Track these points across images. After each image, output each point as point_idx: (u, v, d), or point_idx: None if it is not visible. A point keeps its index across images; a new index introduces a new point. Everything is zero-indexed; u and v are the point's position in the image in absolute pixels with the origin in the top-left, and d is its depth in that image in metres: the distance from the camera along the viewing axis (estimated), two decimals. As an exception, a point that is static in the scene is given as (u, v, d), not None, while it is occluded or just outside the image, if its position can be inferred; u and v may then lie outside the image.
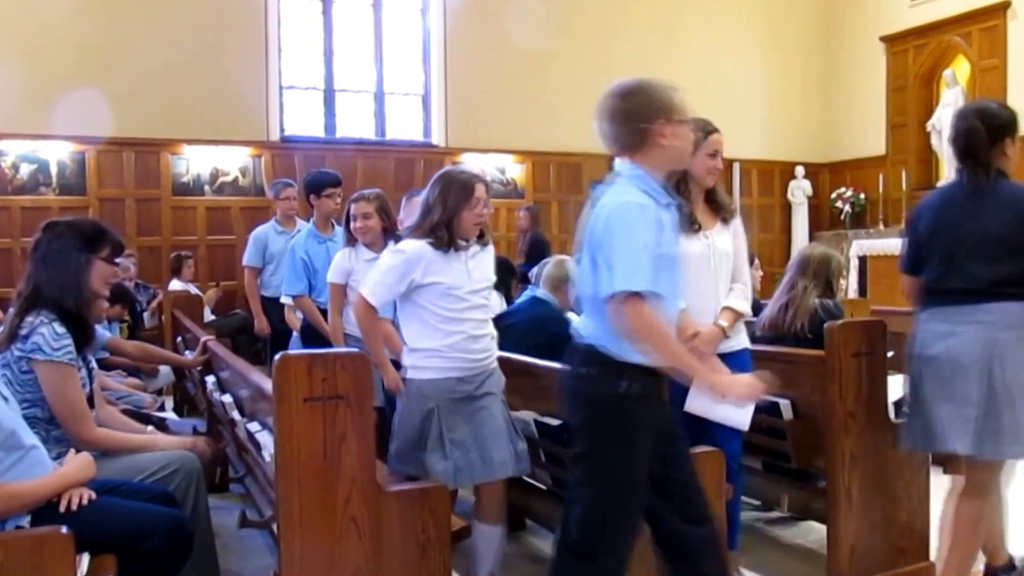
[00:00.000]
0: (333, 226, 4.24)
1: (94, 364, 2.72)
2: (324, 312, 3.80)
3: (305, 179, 4.36)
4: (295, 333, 4.23)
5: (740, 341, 2.78)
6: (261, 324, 4.96)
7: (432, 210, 2.60)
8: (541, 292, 3.74)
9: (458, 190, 2.61)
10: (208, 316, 6.83)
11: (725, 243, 2.73)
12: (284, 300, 4.43)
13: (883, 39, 10.35)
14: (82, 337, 2.54)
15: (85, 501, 2.14)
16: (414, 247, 2.57)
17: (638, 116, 2.08)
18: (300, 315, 4.21)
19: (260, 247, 5.03)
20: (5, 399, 2.16)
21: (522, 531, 3.47)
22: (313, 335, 3.83)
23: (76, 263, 2.54)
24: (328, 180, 4.30)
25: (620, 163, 2.13)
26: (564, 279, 3.72)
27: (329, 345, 3.46)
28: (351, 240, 3.52)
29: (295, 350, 2.73)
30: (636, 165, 2.09)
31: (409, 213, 3.10)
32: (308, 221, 4.54)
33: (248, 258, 5.09)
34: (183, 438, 2.81)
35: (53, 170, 7.80)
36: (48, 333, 2.41)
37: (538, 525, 3.22)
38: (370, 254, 3.45)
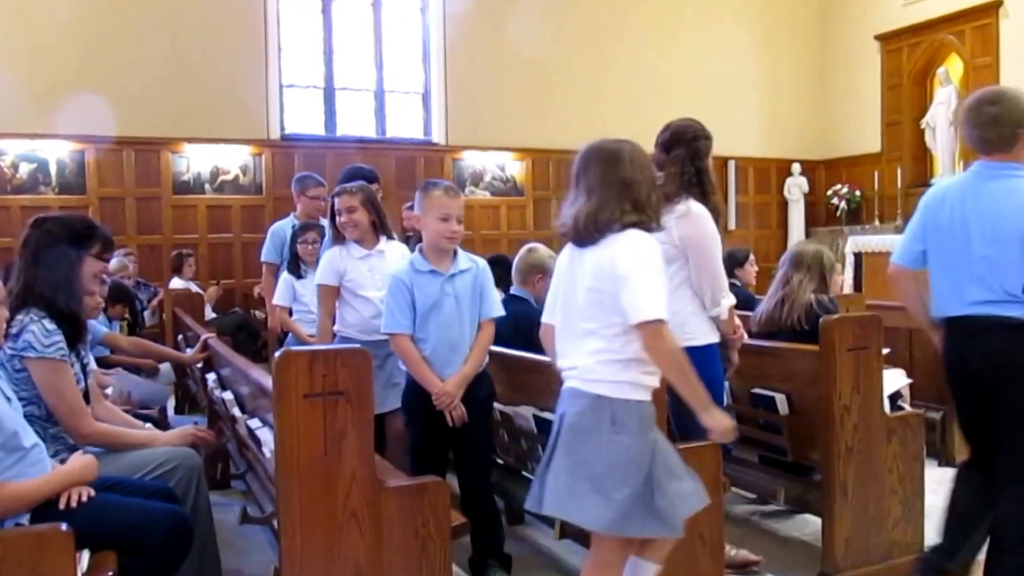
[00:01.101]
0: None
1: (89, 360, 2.73)
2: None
3: (341, 174, 4.12)
4: (290, 336, 4.14)
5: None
6: (273, 323, 4.73)
7: (635, 186, 2.09)
8: (514, 288, 3.68)
9: (645, 156, 2.20)
10: (209, 314, 6.85)
11: None
12: (277, 302, 4.29)
13: (877, 37, 10.39)
14: (74, 334, 2.53)
15: (84, 498, 2.16)
16: (649, 236, 2.10)
17: (1015, 120, 2.37)
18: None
19: (278, 243, 4.79)
20: (8, 399, 2.17)
21: (521, 524, 3.50)
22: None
23: (67, 261, 2.53)
24: (364, 176, 4.02)
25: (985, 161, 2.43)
26: (533, 268, 3.64)
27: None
28: (339, 238, 3.30)
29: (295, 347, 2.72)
30: (1008, 163, 2.36)
31: (431, 208, 2.78)
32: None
33: (266, 253, 4.87)
34: (183, 430, 2.79)
35: (52, 169, 7.82)
36: (38, 330, 2.42)
37: (535, 519, 3.24)
38: (361, 251, 3.28)
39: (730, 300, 2.81)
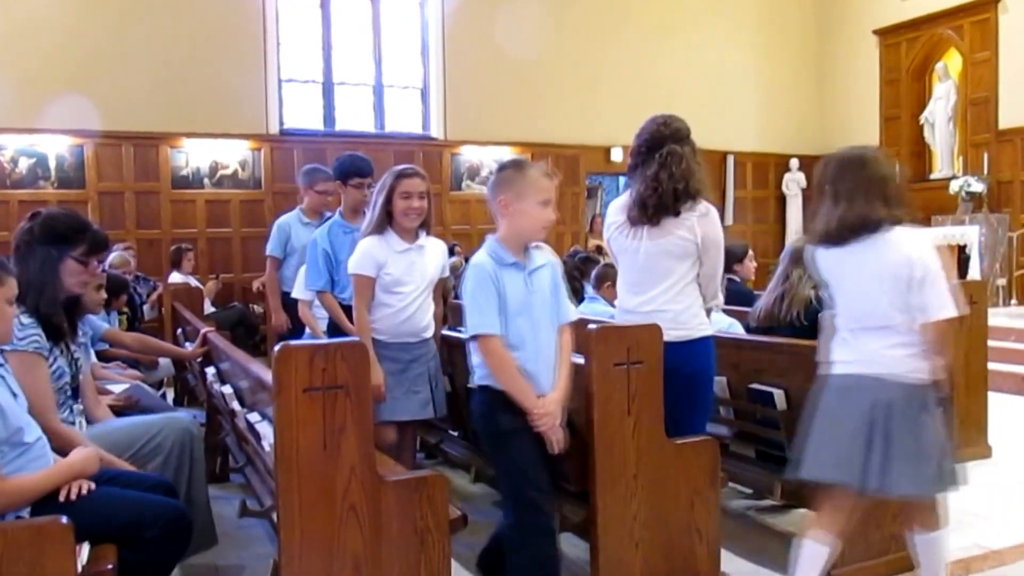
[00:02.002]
0: (365, 214, 3.63)
1: (81, 355, 2.73)
2: (347, 309, 3.32)
3: (336, 162, 3.85)
4: (307, 331, 3.98)
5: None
6: (278, 320, 4.56)
7: (885, 182, 2.38)
8: None
9: (885, 156, 2.51)
10: (208, 308, 6.85)
11: None
12: (297, 295, 4.08)
13: (876, 32, 10.39)
14: (52, 332, 2.52)
15: (84, 491, 2.17)
16: (923, 232, 2.38)
17: None
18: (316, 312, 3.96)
19: (283, 237, 4.63)
20: (15, 395, 2.18)
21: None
22: (339, 335, 3.36)
23: (48, 262, 2.52)
24: (359, 169, 3.78)
25: None
26: None
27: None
28: (383, 225, 2.98)
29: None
30: None
31: (531, 191, 2.41)
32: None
33: (271, 247, 4.68)
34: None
35: (52, 164, 7.82)
36: (16, 324, 2.41)
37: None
38: (403, 244, 3.01)
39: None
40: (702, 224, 2.76)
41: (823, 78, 11.15)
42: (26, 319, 2.47)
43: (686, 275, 2.81)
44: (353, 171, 3.76)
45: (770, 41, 10.87)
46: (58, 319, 2.55)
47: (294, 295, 4.14)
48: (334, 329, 3.45)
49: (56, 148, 7.84)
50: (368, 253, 2.99)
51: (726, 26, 10.58)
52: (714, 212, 2.81)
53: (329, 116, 9.12)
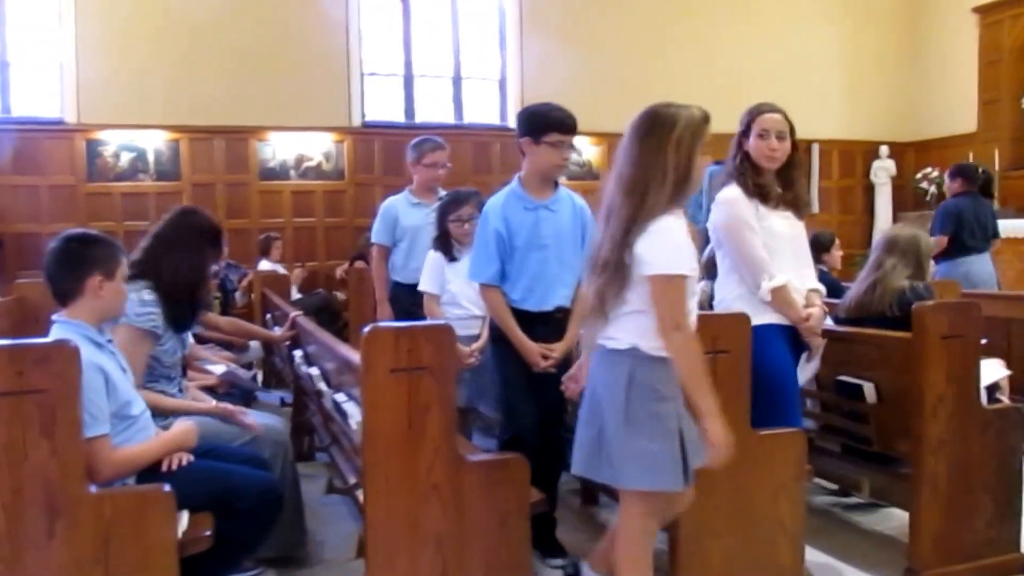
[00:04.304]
0: (556, 185, 2.95)
1: (187, 336, 2.95)
2: (517, 311, 2.78)
3: (521, 115, 2.99)
4: None
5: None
6: (383, 313, 4.09)
7: None
8: None
9: None
10: (294, 295, 7.09)
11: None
12: (424, 288, 3.50)
13: (975, 10, 9.78)
14: (186, 317, 2.75)
15: (184, 462, 2.30)
16: None
17: None
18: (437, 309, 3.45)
19: (390, 222, 4.13)
20: (124, 370, 2.33)
21: (595, 506, 3.52)
22: (505, 345, 2.76)
23: (211, 255, 2.87)
24: (560, 122, 2.84)
25: None
26: None
27: (521, 361, 2.75)
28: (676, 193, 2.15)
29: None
30: None
31: None
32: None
33: (376, 234, 4.19)
34: (201, 406, 2.79)
35: (150, 158, 8.25)
36: (136, 299, 2.57)
37: (610, 500, 3.25)
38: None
39: (775, 282, 2.67)
40: (713, 211, 2.76)
41: (915, 60, 10.61)
42: (148, 296, 2.63)
43: (720, 264, 2.80)
44: (550, 124, 2.82)
45: (858, 20, 10.41)
46: (197, 303, 2.84)
47: (420, 288, 3.52)
48: (498, 336, 2.80)
49: (154, 143, 8.26)
50: (685, 242, 2.09)
51: (810, 6, 10.19)
52: (723, 197, 2.72)
53: (409, 108, 9.26)
